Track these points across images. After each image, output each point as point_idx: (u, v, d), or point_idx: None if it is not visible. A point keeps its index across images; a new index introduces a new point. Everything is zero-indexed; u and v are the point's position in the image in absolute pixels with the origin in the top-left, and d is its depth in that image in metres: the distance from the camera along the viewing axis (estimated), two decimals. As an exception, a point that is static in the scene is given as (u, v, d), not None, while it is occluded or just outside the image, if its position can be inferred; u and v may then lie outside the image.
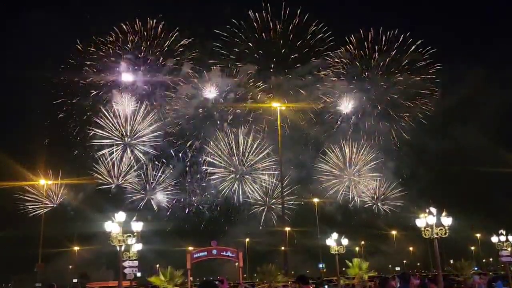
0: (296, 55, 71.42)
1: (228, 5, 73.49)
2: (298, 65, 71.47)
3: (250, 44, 71.16)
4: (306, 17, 69.31)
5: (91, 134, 66.36)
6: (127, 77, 68.96)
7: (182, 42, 70.58)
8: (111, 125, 65.48)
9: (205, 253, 50.52)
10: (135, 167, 67.44)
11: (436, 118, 76.12)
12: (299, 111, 70.81)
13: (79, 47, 68.85)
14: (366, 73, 71.38)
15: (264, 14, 69.90)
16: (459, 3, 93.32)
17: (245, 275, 70.53)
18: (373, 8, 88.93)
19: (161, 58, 71.01)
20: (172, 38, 70.12)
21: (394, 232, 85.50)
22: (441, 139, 75.37)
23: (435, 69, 71.66)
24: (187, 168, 72.51)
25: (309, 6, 78.70)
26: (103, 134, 64.46)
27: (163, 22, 70.05)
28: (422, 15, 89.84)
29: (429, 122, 76.05)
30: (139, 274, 38.65)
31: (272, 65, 71.74)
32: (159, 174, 69.19)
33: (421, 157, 76.79)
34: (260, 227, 73.34)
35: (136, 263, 29.04)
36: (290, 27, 70.35)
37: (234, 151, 68.57)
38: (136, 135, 67.25)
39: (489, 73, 71.22)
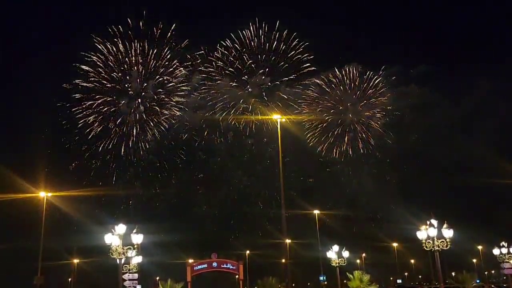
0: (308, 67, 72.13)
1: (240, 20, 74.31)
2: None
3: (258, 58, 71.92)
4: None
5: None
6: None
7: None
8: None
9: (205, 265, 50.22)
10: None
11: (441, 129, 76.30)
12: (303, 124, 71.17)
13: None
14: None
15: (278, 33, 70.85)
16: (467, 16, 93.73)
17: (245, 288, 70.01)
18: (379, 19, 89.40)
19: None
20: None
21: (395, 244, 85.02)
22: (446, 150, 75.39)
23: (442, 80, 72.23)
24: None
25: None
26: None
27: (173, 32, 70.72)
28: (430, 26, 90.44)
29: (435, 134, 76.29)
30: (139, 287, 38.37)
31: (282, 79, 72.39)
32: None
33: (425, 168, 76.85)
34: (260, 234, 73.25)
35: (136, 275, 28.88)
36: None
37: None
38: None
39: (495, 85, 71.28)
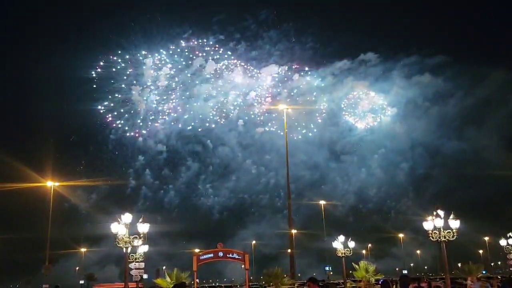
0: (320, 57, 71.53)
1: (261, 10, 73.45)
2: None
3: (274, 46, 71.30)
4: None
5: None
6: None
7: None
8: None
9: (211, 255, 50.25)
10: None
11: (453, 120, 75.69)
12: (313, 113, 70.85)
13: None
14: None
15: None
16: (483, 6, 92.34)
17: (251, 278, 70.23)
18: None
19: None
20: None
21: (401, 235, 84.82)
22: (456, 141, 74.86)
23: (456, 70, 71.33)
24: None
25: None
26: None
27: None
28: (445, 17, 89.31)
29: (446, 124, 75.75)
30: (145, 276, 38.57)
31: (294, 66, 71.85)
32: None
33: (434, 158, 76.39)
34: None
35: (142, 265, 29.00)
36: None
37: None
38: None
39: (509, 76, 70.36)
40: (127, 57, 68.94)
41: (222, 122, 74.35)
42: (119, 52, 68.60)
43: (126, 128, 70.80)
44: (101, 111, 69.48)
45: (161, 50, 69.94)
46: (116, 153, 72.08)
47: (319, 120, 71.93)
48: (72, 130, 72.98)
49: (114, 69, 68.63)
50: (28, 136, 77.26)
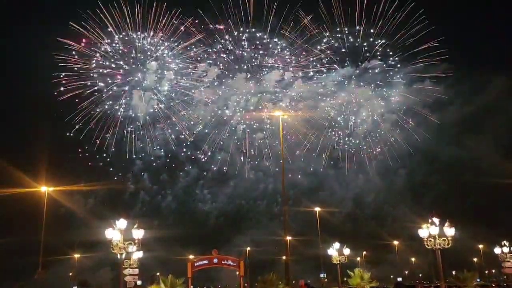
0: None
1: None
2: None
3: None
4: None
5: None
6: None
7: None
8: None
9: (206, 261, 50.18)
10: None
11: (452, 128, 75.92)
12: (311, 120, 71.00)
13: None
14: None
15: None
16: (486, 11, 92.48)
17: (245, 284, 70.02)
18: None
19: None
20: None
21: (396, 242, 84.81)
22: (454, 148, 75.01)
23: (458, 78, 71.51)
24: None
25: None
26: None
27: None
28: (448, 21, 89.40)
29: (444, 131, 75.94)
30: (139, 282, 38.35)
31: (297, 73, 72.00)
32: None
33: (432, 166, 76.53)
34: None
35: (136, 271, 28.88)
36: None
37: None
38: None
39: (509, 84, 70.40)
40: (128, 60, 68.95)
41: (222, 127, 74.44)
42: (120, 54, 68.55)
43: (125, 132, 70.65)
44: (100, 114, 69.31)
45: (164, 54, 70.05)
46: (114, 157, 71.89)
47: (319, 126, 72.11)
48: (69, 136, 72.35)
49: (113, 74, 68.57)
50: (22, 140, 76.81)
